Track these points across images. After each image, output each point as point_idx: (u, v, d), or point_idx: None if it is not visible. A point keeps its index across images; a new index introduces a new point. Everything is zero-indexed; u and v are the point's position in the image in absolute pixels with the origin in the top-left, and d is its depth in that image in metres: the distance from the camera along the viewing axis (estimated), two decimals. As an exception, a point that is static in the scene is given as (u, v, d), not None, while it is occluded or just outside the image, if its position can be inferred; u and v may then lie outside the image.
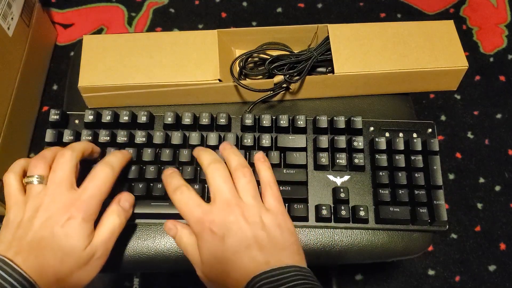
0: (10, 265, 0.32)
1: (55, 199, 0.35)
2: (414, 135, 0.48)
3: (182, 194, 0.38)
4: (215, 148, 0.46)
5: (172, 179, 0.40)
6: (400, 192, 0.45)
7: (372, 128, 0.48)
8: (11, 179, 0.37)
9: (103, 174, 0.38)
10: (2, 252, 0.33)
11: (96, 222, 0.38)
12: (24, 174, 0.38)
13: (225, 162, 0.40)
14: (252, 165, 0.45)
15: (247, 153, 0.46)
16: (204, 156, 0.40)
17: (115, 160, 0.40)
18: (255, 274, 0.33)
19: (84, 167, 0.40)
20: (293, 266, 0.34)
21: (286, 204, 0.44)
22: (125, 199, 0.41)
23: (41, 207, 0.35)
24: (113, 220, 0.38)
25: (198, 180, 0.45)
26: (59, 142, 0.45)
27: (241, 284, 0.33)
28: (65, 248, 0.34)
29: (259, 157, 0.42)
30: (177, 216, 0.44)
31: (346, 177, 0.46)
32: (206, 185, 0.44)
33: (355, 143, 0.46)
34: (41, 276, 0.33)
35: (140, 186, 0.44)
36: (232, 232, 0.35)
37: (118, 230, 0.39)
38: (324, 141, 0.46)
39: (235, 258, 0.34)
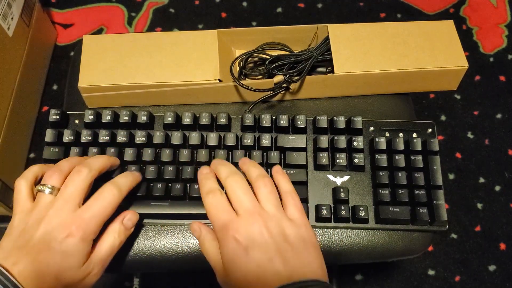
0: (5, 274, 0.32)
1: (59, 214, 0.35)
2: (414, 135, 0.48)
3: (214, 198, 0.38)
4: (215, 148, 0.46)
5: (207, 181, 0.40)
6: (400, 192, 0.45)
7: (372, 128, 0.48)
8: (22, 185, 0.37)
9: (109, 195, 0.37)
10: (1, 260, 0.34)
11: (97, 237, 0.38)
12: (36, 181, 0.38)
13: (245, 175, 0.40)
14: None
15: (247, 153, 0.46)
16: (222, 169, 0.40)
17: (124, 182, 0.40)
18: (277, 287, 0.33)
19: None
20: (315, 280, 0.34)
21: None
22: (128, 218, 0.40)
23: (44, 220, 0.35)
24: (113, 239, 0.38)
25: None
26: (59, 142, 0.45)
27: None
28: (60, 266, 0.34)
29: (277, 169, 0.42)
30: (177, 216, 0.44)
31: (346, 177, 0.46)
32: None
33: (355, 143, 0.46)
34: None
35: (140, 186, 0.44)
36: (255, 243, 0.35)
37: (116, 249, 0.39)
38: (324, 141, 0.46)
39: (258, 270, 0.34)
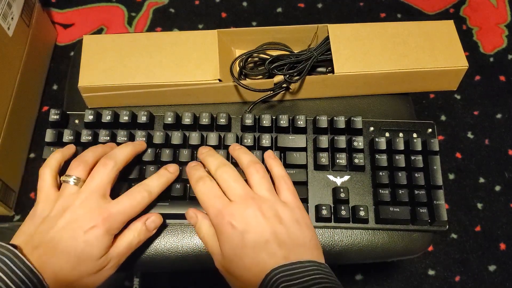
0: (21, 259, 0.32)
1: (84, 204, 0.36)
2: (414, 135, 0.48)
3: (205, 185, 0.38)
4: (215, 148, 0.46)
5: (196, 171, 0.40)
6: (400, 192, 0.45)
7: (372, 128, 0.48)
8: (47, 174, 0.38)
9: (140, 196, 0.38)
10: (22, 243, 0.34)
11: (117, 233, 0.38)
12: (59, 168, 0.39)
13: (237, 162, 0.41)
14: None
15: (247, 153, 0.46)
16: (211, 161, 0.40)
17: (156, 185, 0.40)
18: (273, 267, 0.33)
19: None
20: (311, 261, 0.34)
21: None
22: (152, 220, 0.41)
23: (69, 209, 0.36)
24: (133, 237, 0.39)
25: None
26: (59, 142, 0.45)
27: (259, 278, 0.33)
28: (81, 255, 0.35)
29: (269, 154, 0.43)
30: (178, 216, 0.44)
31: (346, 177, 0.46)
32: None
33: (355, 143, 0.46)
34: (51, 275, 0.33)
35: (140, 186, 0.44)
36: (251, 227, 0.35)
37: (134, 248, 0.39)
38: (324, 141, 0.46)
39: (254, 253, 0.34)
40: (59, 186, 0.39)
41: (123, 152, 0.40)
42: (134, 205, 0.38)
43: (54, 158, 0.39)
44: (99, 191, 0.37)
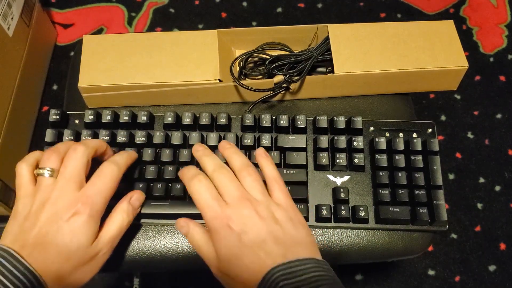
0: (16, 257, 0.32)
1: (62, 194, 0.36)
2: (414, 135, 0.48)
3: (200, 183, 0.38)
4: (214, 148, 0.46)
5: (189, 170, 0.40)
6: (400, 192, 0.45)
7: (372, 128, 0.48)
8: (23, 169, 0.37)
9: (109, 170, 0.38)
10: (9, 244, 0.34)
11: (104, 218, 0.38)
12: (36, 164, 0.39)
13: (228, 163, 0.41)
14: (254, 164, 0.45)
15: (247, 153, 0.46)
16: (207, 162, 0.40)
17: (120, 158, 0.40)
18: (272, 266, 0.33)
19: (95, 168, 0.40)
20: (310, 258, 0.34)
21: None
22: (136, 197, 0.41)
23: (48, 201, 0.35)
24: (121, 218, 0.39)
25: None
26: (59, 142, 0.45)
27: (258, 277, 0.33)
28: (70, 244, 0.34)
29: (260, 152, 0.43)
30: (178, 216, 0.44)
31: (346, 177, 0.46)
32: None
33: (355, 143, 0.46)
34: (46, 270, 0.33)
35: (140, 186, 0.44)
36: (248, 227, 0.35)
37: (125, 228, 0.39)
38: (324, 141, 0.46)
39: (252, 252, 0.35)
40: (36, 181, 0.38)
41: (93, 140, 0.40)
42: (106, 181, 0.37)
43: (33, 155, 0.39)
44: (74, 178, 0.36)
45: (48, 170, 0.37)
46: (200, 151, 0.42)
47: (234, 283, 0.36)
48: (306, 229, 0.38)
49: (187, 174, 0.40)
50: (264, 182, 0.40)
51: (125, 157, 0.41)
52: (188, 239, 0.40)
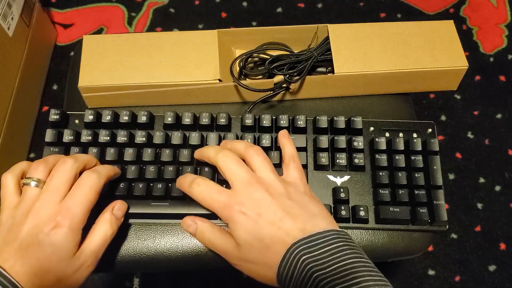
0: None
1: (45, 206, 0.35)
2: (414, 135, 0.48)
3: (200, 186, 0.38)
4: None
5: (185, 177, 0.40)
6: (400, 192, 0.45)
7: (372, 128, 0.48)
8: (9, 180, 0.37)
9: (89, 180, 0.37)
10: None
11: (88, 229, 0.37)
12: (23, 176, 0.38)
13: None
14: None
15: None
16: (208, 151, 0.40)
17: (102, 168, 0.39)
18: (292, 242, 0.33)
19: None
20: (329, 230, 0.34)
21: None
22: (118, 207, 0.40)
23: (30, 212, 0.35)
24: (105, 229, 0.38)
25: (198, 180, 0.45)
26: (59, 142, 0.45)
27: (280, 255, 0.34)
28: (51, 258, 0.34)
29: (283, 133, 0.43)
30: (178, 216, 0.44)
31: (346, 177, 0.46)
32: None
33: (355, 143, 0.46)
34: (29, 284, 0.33)
35: (140, 186, 0.44)
36: (262, 209, 0.35)
37: (109, 239, 0.38)
38: (324, 141, 0.46)
39: (271, 232, 0.35)
40: (21, 191, 0.37)
41: (85, 156, 0.40)
42: (87, 191, 0.36)
43: (19, 166, 0.38)
44: (59, 191, 0.36)
45: (34, 180, 0.36)
46: (199, 150, 0.42)
47: (256, 267, 0.36)
48: (319, 202, 0.38)
49: (185, 181, 0.39)
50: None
51: (108, 168, 0.40)
52: (198, 237, 0.39)
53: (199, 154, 0.42)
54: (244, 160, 0.39)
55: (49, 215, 0.35)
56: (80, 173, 0.38)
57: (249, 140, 0.46)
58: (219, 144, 0.46)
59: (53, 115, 0.46)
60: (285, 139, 0.43)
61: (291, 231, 0.34)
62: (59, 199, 0.35)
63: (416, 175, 0.45)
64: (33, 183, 0.36)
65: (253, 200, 0.36)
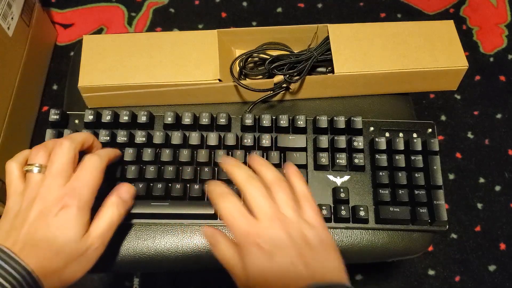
0: (8, 254, 0.32)
1: (50, 190, 0.35)
2: (414, 135, 0.48)
3: (229, 202, 0.37)
4: (215, 148, 0.46)
5: (216, 186, 0.39)
6: (400, 192, 0.45)
7: (372, 128, 0.48)
8: (13, 167, 0.38)
9: (91, 161, 0.38)
10: (1, 241, 0.34)
11: (94, 213, 0.38)
12: (26, 162, 0.39)
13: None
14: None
15: (247, 153, 0.46)
16: (238, 173, 0.39)
17: (103, 151, 0.40)
18: None
19: None
20: (339, 284, 0.34)
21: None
22: (124, 190, 0.41)
23: (37, 198, 0.35)
24: (111, 212, 0.38)
25: (198, 180, 0.45)
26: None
27: None
28: (59, 239, 0.34)
29: (291, 170, 0.42)
30: (177, 216, 0.44)
31: (346, 177, 0.46)
32: (205, 184, 0.45)
33: (355, 143, 0.46)
34: (38, 266, 0.33)
35: (140, 186, 0.44)
36: (278, 248, 0.35)
37: (116, 222, 0.39)
38: (324, 141, 0.46)
39: (281, 274, 0.34)
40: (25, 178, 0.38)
41: (80, 134, 0.40)
42: (91, 171, 0.37)
43: (22, 154, 0.39)
44: (61, 173, 0.36)
45: (36, 166, 0.37)
46: (230, 163, 0.41)
47: None
48: (336, 252, 0.37)
49: (215, 190, 0.39)
50: None
51: (108, 151, 0.41)
52: (214, 249, 0.39)
53: (225, 168, 0.41)
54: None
55: (56, 197, 0.35)
56: (80, 153, 0.39)
57: (249, 140, 0.46)
58: (218, 143, 0.46)
59: (53, 115, 0.46)
60: (294, 177, 0.41)
61: (300, 278, 0.34)
62: (63, 182, 0.36)
63: (416, 175, 0.45)
64: (35, 169, 0.37)
65: (271, 237, 0.35)
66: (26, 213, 0.35)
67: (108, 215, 0.38)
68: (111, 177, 0.44)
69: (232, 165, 0.40)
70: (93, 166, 0.37)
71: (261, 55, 0.52)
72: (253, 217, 0.37)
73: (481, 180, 0.96)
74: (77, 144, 0.38)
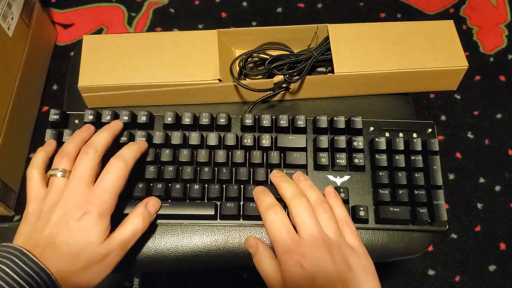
0: (28, 256, 0.33)
1: (73, 194, 0.36)
2: (414, 135, 0.48)
3: (276, 215, 0.38)
4: (215, 148, 0.46)
5: (266, 197, 0.40)
6: (400, 192, 0.45)
7: (372, 128, 0.48)
8: (34, 173, 0.38)
9: (116, 168, 0.38)
10: (22, 244, 0.34)
11: (119, 221, 0.38)
12: (45, 167, 0.39)
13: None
14: (252, 164, 0.45)
15: (247, 153, 0.46)
16: (287, 188, 0.40)
17: (128, 153, 0.40)
18: None
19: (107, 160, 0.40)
20: None
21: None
22: (152, 204, 0.41)
23: (59, 202, 0.36)
24: (137, 222, 0.39)
25: (198, 180, 0.45)
26: (59, 142, 0.45)
27: None
28: (80, 243, 0.35)
29: (330, 192, 0.43)
30: (177, 216, 0.44)
31: (346, 177, 0.46)
32: (206, 185, 0.45)
33: (355, 143, 0.46)
34: (57, 269, 0.34)
35: (140, 186, 0.44)
36: (320, 270, 0.35)
37: (139, 233, 0.39)
38: (324, 141, 0.46)
39: None
40: (47, 183, 0.39)
41: (101, 138, 0.40)
42: (114, 179, 0.37)
43: (38, 157, 0.40)
44: (85, 179, 0.37)
45: (60, 171, 0.37)
46: (279, 176, 0.42)
47: None
48: (376, 280, 0.37)
49: (264, 202, 0.39)
50: None
51: (134, 150, 0.41)
52: (255, 260, 0.40)
53: (276, 182, 0.42)
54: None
55: (78, 202, 0.36)
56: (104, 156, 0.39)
57: (249, 140, 0.46)
58: (218, 143, 0.46)
59: (53, 115, 0.46)
60: (332, 199, 0.42)
61: None
62: (86, 187, 0.37)
63: (416, 175, 0.45)
64: (59, 174, 0.37)
65: (314, 257, 0.36)
66: (48, 216, 0.35)
67: (133, 224, 0.38)
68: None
69: (280, 180, 0.41)
70: (117, 172, 0.38)
71: (261, 55, 0.52)
72: (298, 233, 0.37)
73: (481, 180, 0.96)
74: (100, 152, 0.39)
